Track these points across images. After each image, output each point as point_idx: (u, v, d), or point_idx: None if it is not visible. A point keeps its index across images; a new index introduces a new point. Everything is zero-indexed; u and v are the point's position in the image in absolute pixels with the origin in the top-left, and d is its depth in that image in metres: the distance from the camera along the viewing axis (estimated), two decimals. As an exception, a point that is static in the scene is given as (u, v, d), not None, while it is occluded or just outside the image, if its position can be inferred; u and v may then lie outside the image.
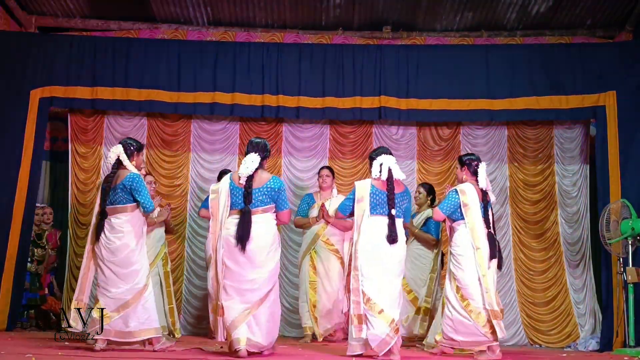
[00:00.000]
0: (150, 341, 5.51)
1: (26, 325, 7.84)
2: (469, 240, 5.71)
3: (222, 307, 5.17)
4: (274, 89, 8.06)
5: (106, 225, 5.45)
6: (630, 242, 6.92)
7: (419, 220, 7.19)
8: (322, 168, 7.56)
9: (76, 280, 8.04)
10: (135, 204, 5.51)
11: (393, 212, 5.41)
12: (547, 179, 8.39)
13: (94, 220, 5.56)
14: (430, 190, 7.37)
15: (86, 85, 7.97)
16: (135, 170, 5.56)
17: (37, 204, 8.15)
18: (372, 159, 5.64)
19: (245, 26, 8.73)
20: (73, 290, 8.01)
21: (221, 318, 5.19)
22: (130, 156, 5.60)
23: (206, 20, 8.68)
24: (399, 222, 5.49)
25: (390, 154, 5.64)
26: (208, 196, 7.60)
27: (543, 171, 8.41)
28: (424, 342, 6.40)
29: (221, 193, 5.30)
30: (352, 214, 5.62)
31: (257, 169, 5.27)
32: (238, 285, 5.18)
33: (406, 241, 6.98)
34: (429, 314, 6.97)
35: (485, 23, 8.57)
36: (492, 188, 8.28)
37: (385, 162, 5.49)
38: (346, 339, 5.75)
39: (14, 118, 7.77)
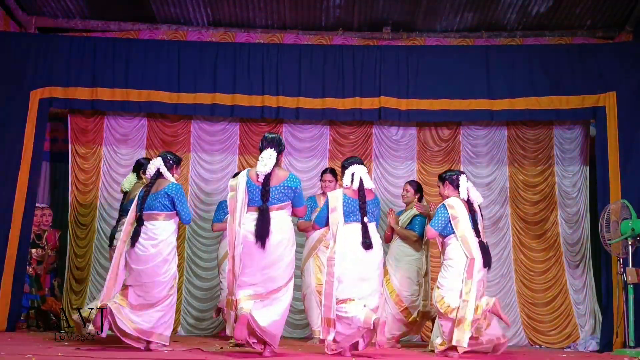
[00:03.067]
0: (150, 343, 5.57)
1: (22, 326, 7.81)
2: (461, 251, 5.89)
3: (237, 301, 5.17)
4: (274, 89, 8.06)
5: (142, 232, 5.55)
6: (630, 243, 6.92)
7: (405, 218, 7.14)
8: (324, 172, 7.40)
9: (76, 281, 8.13)
10: (171, 212, 5.64)
11: (365, 219, 5.53)
12: (547, 179, 8.39)
13: (127, 226, 5.62)
14: (418, 188, 7.34)
15: (86, 85, 7.97)
16: (174, 181, 5.75)
17: (37, 205, 8.15)
18: (344, 167, 5.77)
19: (245, 27, 8.73)
20: (73, 291, 8.10)
21: (233, 312, 5.19)
22: (169, 169, 5.77)
23: (206, 21, 8.68)
24: (372, 228, 5.60)
25: (362, 163, 5.78)
26: (220, 208, 7.46)
27: (543, 172, 8.41)
28: (430, 347, 6.33)
29: (238, 191, 5.29)
30: (327, 224, 5.71)
31: (274, 166, 5.29)
32: (252, 280, 5.21)
33: (388, 241, 7.13)
34: (427, 317, 6.97)
35: (485, 24, 8.57)
36: (493, 188, 8.33)
37: (357, 172, 5.62)
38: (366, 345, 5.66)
39: (14, 119, 7.78)
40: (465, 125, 8.53)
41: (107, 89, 7.99)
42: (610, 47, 8.25)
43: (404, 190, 7.35)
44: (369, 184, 5.64)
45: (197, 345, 6.17)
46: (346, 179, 5.65)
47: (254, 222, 5.22)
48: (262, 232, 5.16)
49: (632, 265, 6.91)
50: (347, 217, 5.55)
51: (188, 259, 8.36)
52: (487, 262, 5.93)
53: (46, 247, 8.09)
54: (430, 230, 6.04)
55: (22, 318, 7.80)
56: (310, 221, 7.33)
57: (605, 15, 8.34)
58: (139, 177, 6.56)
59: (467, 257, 5.84)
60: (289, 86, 8.08)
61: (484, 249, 5.94)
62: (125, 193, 6.61)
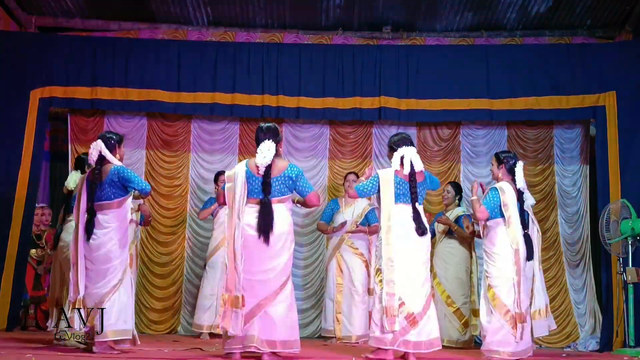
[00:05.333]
0: (115, 342, 5.30)
1: (20, 322, 7.80)
2: (506, 240, 5.60)
3: (243, 299, 4.88)
4: (273, 89, 8.06)
5: (94, 222, 5.32)
6: (630, 242, 6.91)
7: (450, 218, 7.09)
8: (349, 173, 7.60)
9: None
10: (122, 199, 5.39)
11: (417, 205, 5.28)
12: (547, 179, 8.39)
13: (81, 218, 5.37)
14: (458, 189, 7.30)
15: (86, 85, 7.96)
16: (118, 163, 5.44)
17: (37, 204, 8.15)
18: (392, 149, 5.41)
19: (245, 26, 8.73)
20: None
21: (241, 310, 4.86)
22: (112, 150, 5.46)
23: (206, 20, 8.68)
24: (421, 211, 5.34)
25: (412, 143, 5.45)
26: (209, 198, 7.72)
27: (543, 171, 8.41)
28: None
29: (237, 181, 5.04)
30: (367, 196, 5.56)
31: (274, 157, 5.07)
32: (250, 276, 4.95)
33: (432, 238, 6.94)
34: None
35: (485, 23, 8.57)
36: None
37: (407, 155, 5.30)
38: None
39: (14, 118, 7.77)
40: (465, 124, 8.54)
41: (107, 88, 7.98)
42: (610, 46, 8.25)
43: (444, 191, 7.30)
44: (419, 166, 5.32)
45: (197, 345, 6.17)
46: (395, 162, 5.33)
47: (255, 215, 4.98)
48: (265, 226, 4.95)
49: (632, 265, 6.90)
50: (397, 198, 5.29)
51: (188, 259, 8.37)
52: (530, 256, 5.68)
53: (46, 247, 8.08)
54: (484, 212, 5.63)
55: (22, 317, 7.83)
56: (331, 223, 7.43)
57: (605, 15, 8.33)
58: (83, 174, 6.08)
59: (511, 247, 5.56)
60: (289, 86, 8.08)
61: (529, 241, 5.69)
62: (70, 192, 6.18)
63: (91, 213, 5.35)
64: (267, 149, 5.05)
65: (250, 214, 5.03)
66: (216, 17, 8.61)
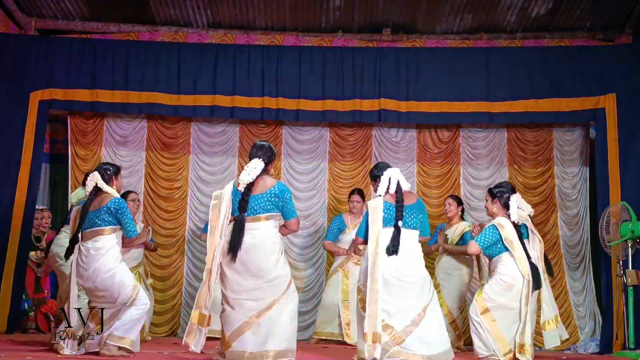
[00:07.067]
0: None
1: (23, 326, 7.80)
2: (517, 270, 5.48)
3: (209, 318, 4.87)
4: (273, 91, 8.06)
5: (82, 250, 5.32)
6: (630, 245, 6.92)
7: (454, 234, 7.00)
8: (353, 193, 7.50)
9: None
10: (114, 226, 5.38)
11: (400, 223, 5.10)
12: (546, 181, 8.39)
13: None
14: (459, 201, 7.23)
15: (86, 87, 7.98)
16: (117, 195, 5.46)
17: (37, 207, 8.14)
18: (378, 176, 5.27)
19: (245, 28, 8.72)
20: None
21: (204, 329, 4.85)
22: (108, 181, 5.48)
23: (206, 22, 8.68)
24: (409, 234, 5.16)
25: (390, 166, 5.41)
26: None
27: (543, 174, 8.41)
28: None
29: (223, 200, 4.96)
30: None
31: (260, 175, 4.98)
32: (237, 295, 4.88)
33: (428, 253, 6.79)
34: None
35: (485, 25, 8.57)
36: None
37: (393, 176, 5.21)
38: None
39: (14, 120, 7.78)
40: (465, 127, 8.54)
41: (106, 90, 8.00)
42: (610, 48, 8.26)
43: (447, 204, 7.17)
44: (405, 185, 5.21)
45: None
46: (382, 188, 5.18)
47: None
48: (234, 244, 4.84)
49: (632, 268, 6.91)
50: (386, 222, 5.13)
51: (188, 262, 8.36)
52: (537, 285, 5.56)
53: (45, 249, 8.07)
54: (474, 246, 5.58)
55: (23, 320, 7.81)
56: (337, 241, 7.40)
57: (604, 17, 8.34)
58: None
59: (523, 277, 5.45)
60: (288, 88, 8.08)
61: (535, 271, 5.55)
62: (72, 206, 6.05)
63: (74, 241, 5.35)
64: (253, 167, 4.98)
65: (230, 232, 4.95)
66: (216, 19, 8.62)
